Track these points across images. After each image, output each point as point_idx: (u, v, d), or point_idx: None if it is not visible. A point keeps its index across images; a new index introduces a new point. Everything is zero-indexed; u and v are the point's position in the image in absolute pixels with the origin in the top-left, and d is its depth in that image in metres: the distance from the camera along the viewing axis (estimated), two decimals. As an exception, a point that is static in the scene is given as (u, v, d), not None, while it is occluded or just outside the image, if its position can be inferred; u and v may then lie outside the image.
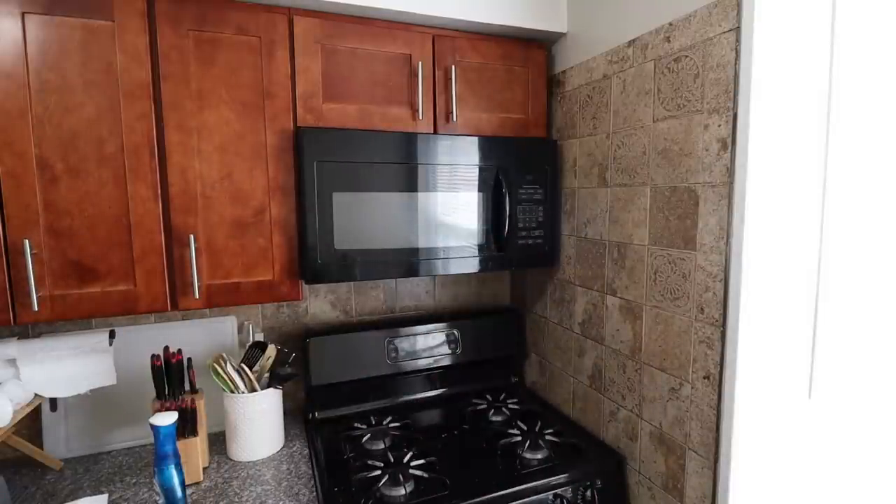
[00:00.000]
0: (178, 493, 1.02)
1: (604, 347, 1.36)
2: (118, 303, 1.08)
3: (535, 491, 1.16)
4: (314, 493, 1.14)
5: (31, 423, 1.25)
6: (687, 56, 1.04)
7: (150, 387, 1.22)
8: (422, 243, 1.29)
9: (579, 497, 1.21)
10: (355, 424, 1.42)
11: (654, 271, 1.16)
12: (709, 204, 1.01)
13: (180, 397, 1.21)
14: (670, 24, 1.08)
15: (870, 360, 1.13)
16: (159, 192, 1.09)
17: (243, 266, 1.18)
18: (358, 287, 1.64)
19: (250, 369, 1.30)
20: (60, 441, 1.29)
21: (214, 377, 1.27)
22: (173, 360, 1.21)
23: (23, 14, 0.97)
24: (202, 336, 1.42)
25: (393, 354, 1.56)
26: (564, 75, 1.46)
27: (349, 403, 1.54)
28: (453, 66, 1.33)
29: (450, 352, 1.63)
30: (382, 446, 1.31)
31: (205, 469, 1.23)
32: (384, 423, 1.43)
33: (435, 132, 1.34)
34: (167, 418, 1.02)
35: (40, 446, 1.26)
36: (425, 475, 1.17)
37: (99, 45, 1.03)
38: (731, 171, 0.96)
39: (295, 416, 1.53)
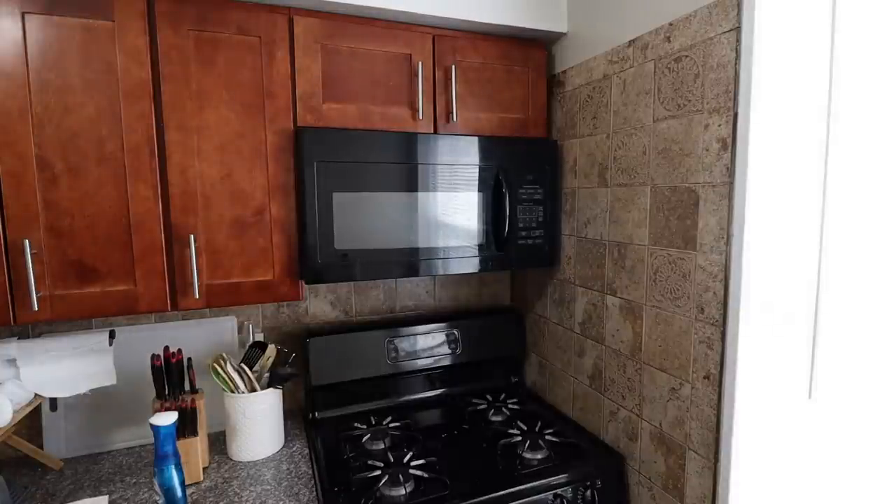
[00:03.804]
0: (178, 493, 1.02)
1: (604, 347, 1.35)
2: (118, 303, 1.08)
3: (535, 491, 1.16)
4: (314, 493, 1.14)
5: (31, 423, 1.25)
6: (687, 56, 1.04)
7: (150, 387, 1.22)
8: (422, 243, 1.29)
9: (579, 497, 1.21)
10: (355, 424, 1.42)
11: (655, 271, 1.16)
12: (709, 204, 1.01)
13: (180, 397, 1.21)
14: (670, 24, 1.08)
15: (870, 360, 1.13)
16: (159, 191, 1.09)
17: (243, 266, 1.18)
18: (358, 287, 1.64)
19: (250, 369, 1.30)
20: (60, 441, 1.29)
21: (214, 377, 1.27)
22: (173, 360, 1.21)
23: (23, 14, 0.97)
24: (202, 336, 1.42)
25: (393, 354, 1.56)
26: (564, 75, 1.46)
27: (349, 403, 1.54)
28: (453, 66, 1.33)
29: (450, 352, 1.63)
30: (382, 446, 1.31)
31: (205, 469, 1.23)
32: (384, 423, 1.43)
33: (435, 132, 1.34)
34: (167, 418, 1.02)
35: (40, 446, 1.26)
36: (425, 475, 1.17)
37: (99, 45, 1.03)
38: (731, 171, 0.96)
39: (295, 416, 1.53)
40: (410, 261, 1.28)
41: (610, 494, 1.25)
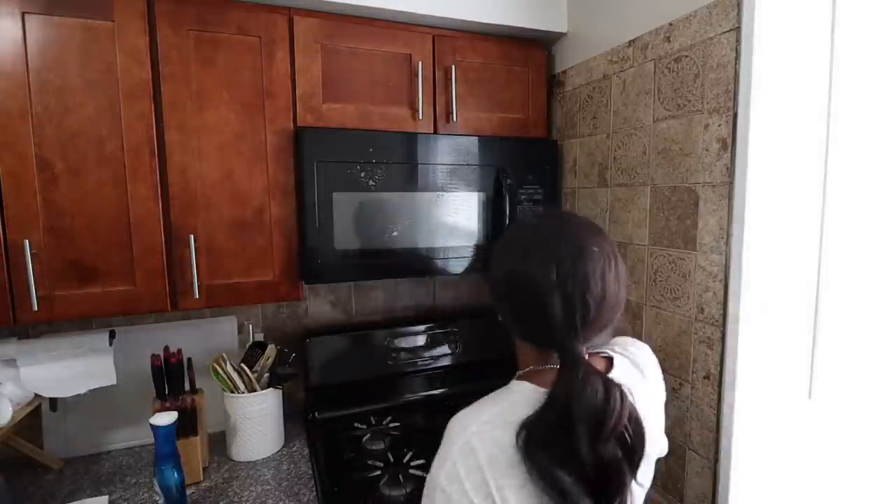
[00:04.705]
0: (178, 493, 1.02)
1: (604, 347, 1.35)
2: (118, 303, 1.08)
3: (535, 491, 1.16)
4: (314, 493, 1.14)
5: (31, 423, 1.25)
6: (687, 56, 1.04)
7: (150, 387, 1.21)
8: (422, 243, 1.29)
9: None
10: (355, 424, 1.42)
11: (654, 271, 1.16)
12: (709, 204, 1.01)
13: (180, 397, 1.21)
14: (670, 24, 1.08)
15: (870, 360, 1.13)
16: (159, 192, 1.09)
17: (243, 266, 1.18)
18: (358, 287, 1.64)
19: (250, 369, 1.30)
20: (60, 441, 1.29)
21: (214, 377, 1.27)
22: (173, 361, 1.21)
23: (23, 14, 0.97)
24: (202, 336, 1.42)
25: (393, 354, 1.56)
26: (564, 75, 1.46)
27: (349, 403, 1.54)
28: (453, 66, 1.33)
29: (450, 352, 1.63)
30: (382, 446, 1.31)
31: (205, 469, 1.23)
32: (384, 423, 1.43)
33: (435, 132, 1.34)
34: (167, 418, 1.02)
35: (40, 446, 1.26)
36: (425, 475, 1.16)
37: (99, 45, 1.03)
38: (731, 171, 0.96)
39: (295, 416, 1.53)
40: (410, 261, 1.28)
41: (610, 494, 1.25)
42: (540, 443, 0.58)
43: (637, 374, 0.73)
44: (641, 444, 0.61)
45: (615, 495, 0.59)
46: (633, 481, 0.61)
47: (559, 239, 0.67)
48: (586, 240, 0.67)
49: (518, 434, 0.59)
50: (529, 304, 0.66)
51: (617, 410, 0.59)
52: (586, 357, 0.64)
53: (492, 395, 0.70)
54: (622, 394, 0.60)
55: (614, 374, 0.68)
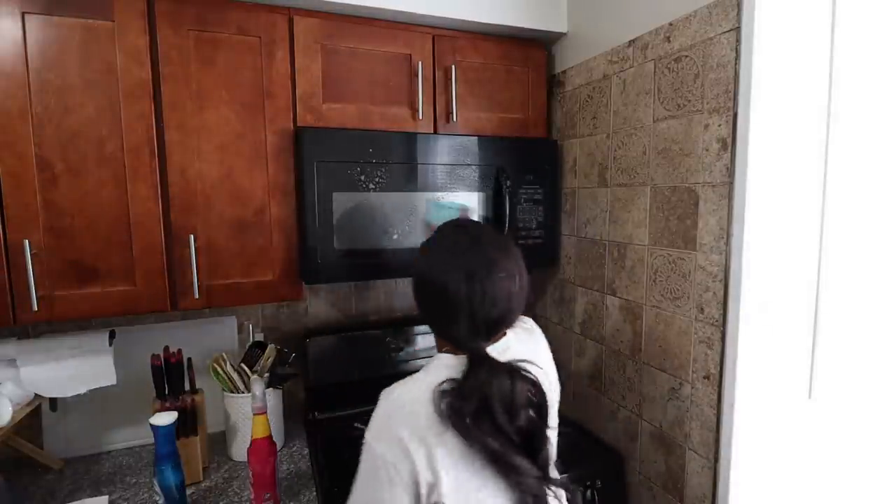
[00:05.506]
0: (178, 493, 1.02)
1: (604, 347, 1.35)
2: (118, 303, 1.08)
3: (535, 491, 1.16)
4: (314, 493, 1.14)
5: (31, 423, 1.25)
6: (687, 56, 1.04)
7: (150, 387, 1.21)
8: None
9: (579, 497, 1.21)
10: (355, 424, 1.42)
11: (654, 271, 1.16)
12: (709, 204, 1.01)
13: (180, 397, 1.21)
14: (670, 24, 1.08)
15: (870, 360, 1.13)
16: (159, 191, 1.09)
17: (243, 266, 1.18)
18: (358, 287, 1.64)
19: (250, 369, 1.30)
20: (60, 441, 1.29)
21: (214, 377, 1.27)
22: (173, 361, 1.21)
23: (23, 14, 0.97)
24: (202, 336, 1.42)
25: (393, 354, 1.56)
26: (564, 75, 1.46)
27: (349, 403, 1.53)
28: (453, 66, 1.33)
29: (450, 352, 1.63)
30: (382, 446, 1.31)
31: (205, 469, 1.23)
32: (384, 423, 1.42)
33: (435, 132, 1.34)
34: (167, 418, 1.02)
35: (40, 446, 1.26)
36: (425, 475, 1.16)
37: (99, 45, 1.03)
38: (731, 171, 0.96)
39: (295, 416, 1.53)
40: (410, 261, 1.28)
41: (610, 494, 1.25)
42: (466, 418, 0.68)
43: (526, 334, 0.88)
44: (545, 402, 0.74)
45: (540, 446, 0.72)
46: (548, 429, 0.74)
47: (472, 254, 0.75)
48: (496, 257, 0.76)
49: (440, 406, 0.69)
50: (441, 311, 0.76)
51: (523, 391, 0.70)
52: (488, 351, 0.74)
53: (420, 371, 0.79)
54: (522, 375, 0.71)
55: (511, 345, 0.79)
